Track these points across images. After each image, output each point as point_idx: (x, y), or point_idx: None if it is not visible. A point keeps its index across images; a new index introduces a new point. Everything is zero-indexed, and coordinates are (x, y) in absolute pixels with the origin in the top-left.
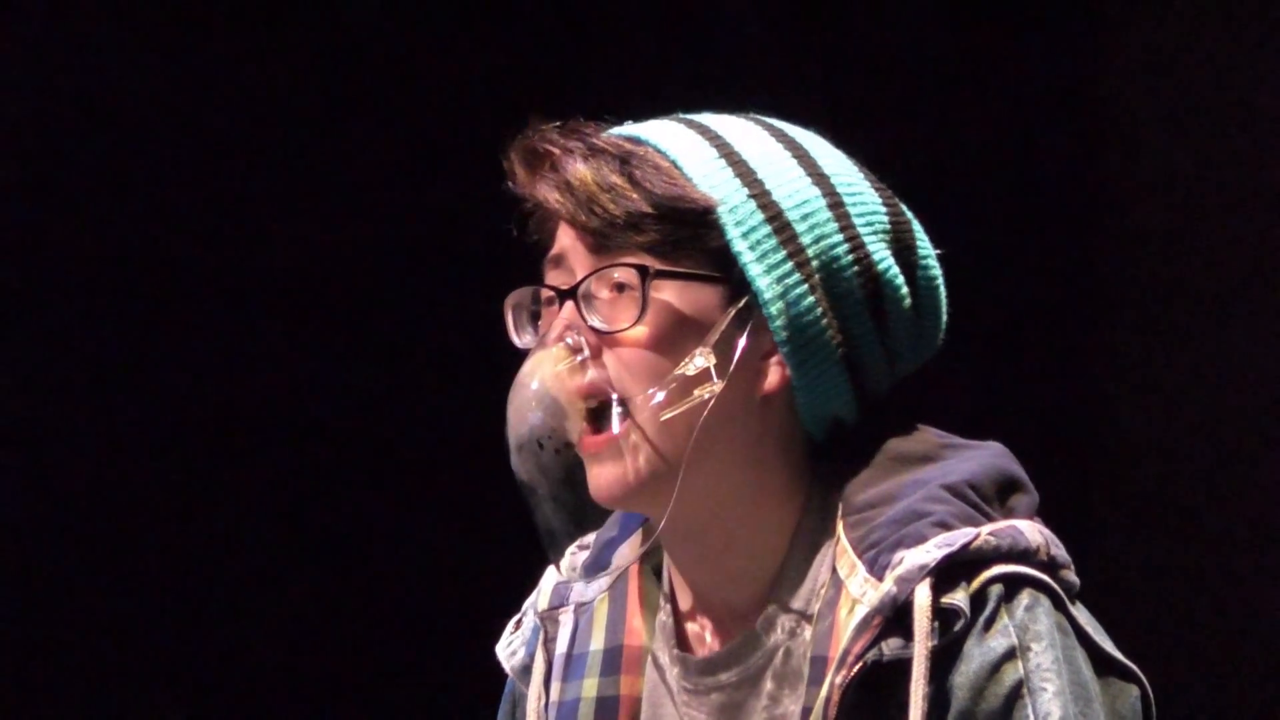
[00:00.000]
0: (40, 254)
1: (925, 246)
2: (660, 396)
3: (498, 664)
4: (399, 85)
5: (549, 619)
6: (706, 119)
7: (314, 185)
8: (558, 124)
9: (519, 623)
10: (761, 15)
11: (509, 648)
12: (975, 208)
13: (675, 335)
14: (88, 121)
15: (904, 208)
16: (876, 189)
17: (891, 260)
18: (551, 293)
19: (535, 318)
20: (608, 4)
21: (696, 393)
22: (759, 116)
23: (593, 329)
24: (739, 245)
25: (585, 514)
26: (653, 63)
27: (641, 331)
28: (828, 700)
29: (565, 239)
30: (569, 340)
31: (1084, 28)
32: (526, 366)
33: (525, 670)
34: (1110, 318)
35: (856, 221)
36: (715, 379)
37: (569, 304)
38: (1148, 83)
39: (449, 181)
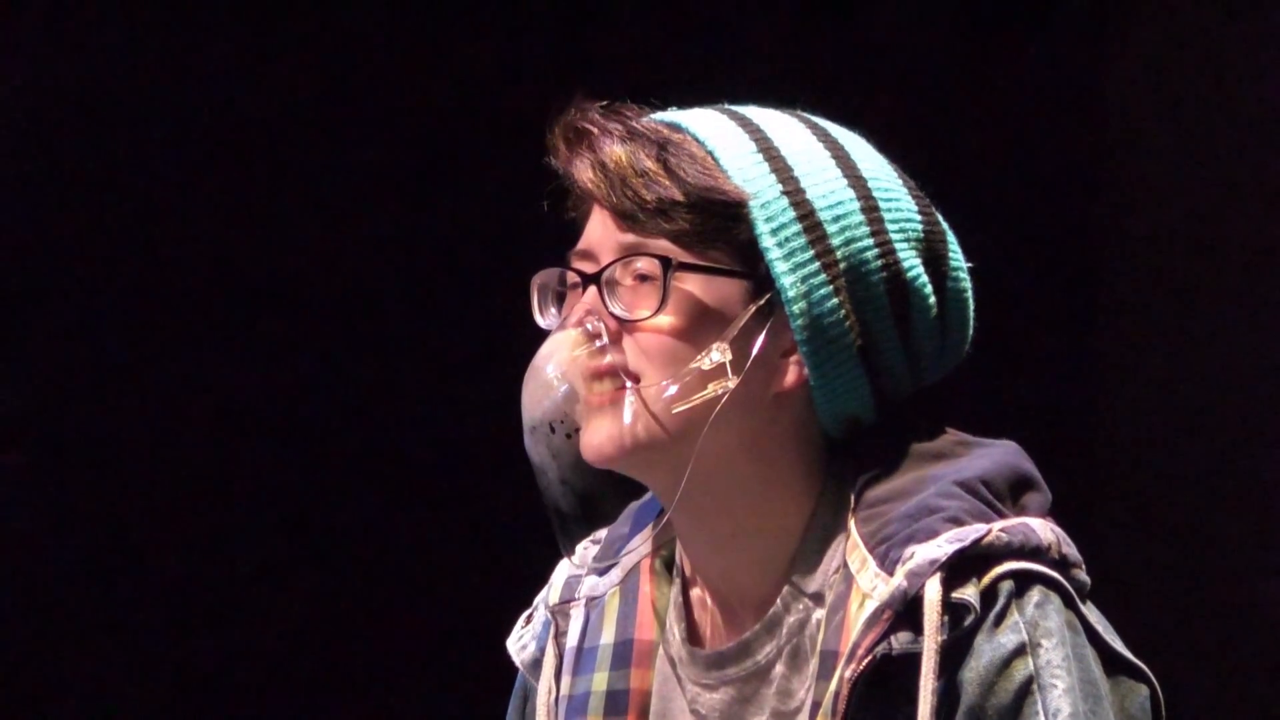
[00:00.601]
0: (43, 255)
1: (957, 258)
2: (674, 388)
3: (508, 658)
4: (399, 84)
5: (560, 613)
6: (750, 111)
7: (313, 185)
8: (602, 104)
9: (530, 617)
10: (764, 17)
11: (519, 642)
12: (976, 207)
13: (695, 327)
14: (88, 121)
15: (939, 217)
16: (914, 196)
17: (921, 269)
18: (576, 276)
19: (560, 298)
20: (610, 3)
21: (711, 386)
22: (803, 114)
23: (613, 315)
24: (767, 241)
25: (595, 499)
26: (650, 62)
27: (661, 321)
28: (837, 694)
29: (596, 221)
30: (588, 325)
31: (1087, 28)
32: (544, 348)
33: (536, 664)
34: (1111, 318)
35: (889, 227)
36: (730, 375)
37: (591, 289)
38: (1150, 85)
39: (448, 181)
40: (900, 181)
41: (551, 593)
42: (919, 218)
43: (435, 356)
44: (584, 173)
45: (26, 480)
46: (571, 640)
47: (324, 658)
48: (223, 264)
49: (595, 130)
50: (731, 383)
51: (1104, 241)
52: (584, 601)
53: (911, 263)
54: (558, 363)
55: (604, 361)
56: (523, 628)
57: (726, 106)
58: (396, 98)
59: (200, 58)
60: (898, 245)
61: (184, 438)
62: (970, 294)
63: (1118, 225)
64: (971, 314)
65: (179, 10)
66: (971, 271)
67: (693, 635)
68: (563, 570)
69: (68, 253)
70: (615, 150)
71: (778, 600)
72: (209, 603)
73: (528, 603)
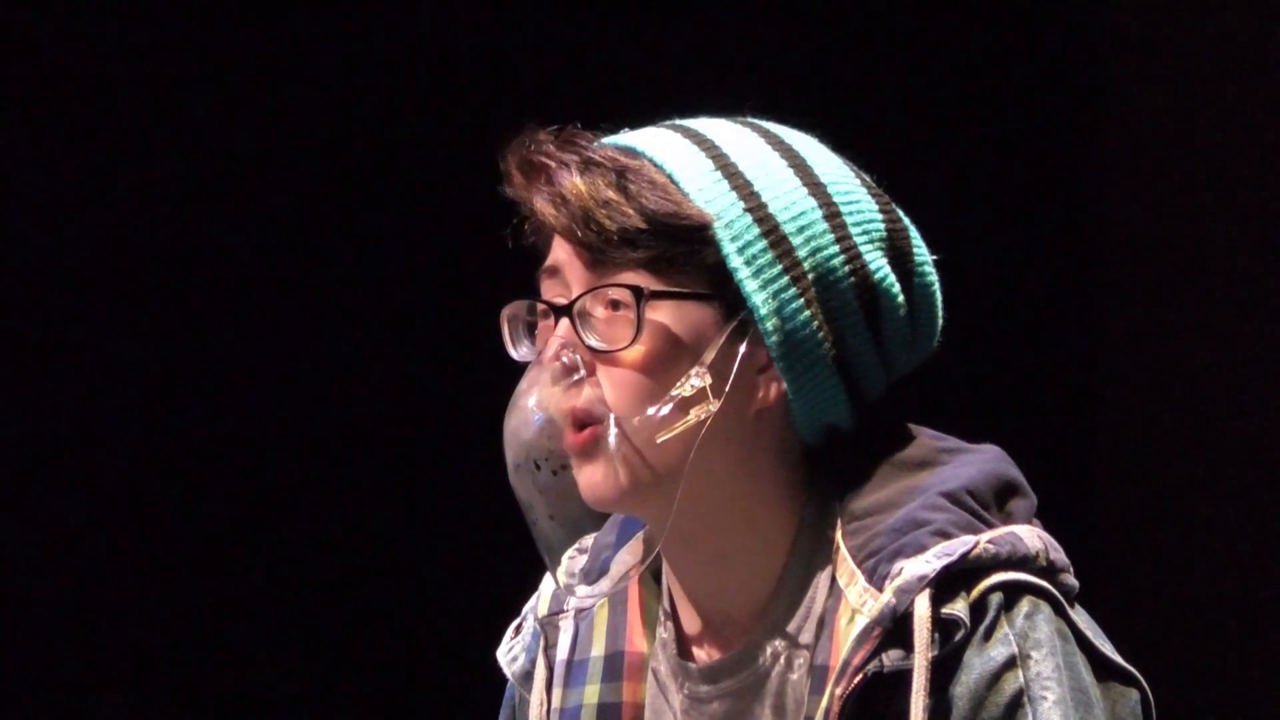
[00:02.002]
0: (45, 254)
1: (921, 252)
2: (657, 418)
3: (498, 668)
4: (393, 85)
5: (549, 625)
6: (702, 126)
7: (311, 187)
8: (554, 130)
9: (519, 628)
10: (751, 18)
11: (509, 653)
12: (974, 206)
13: (671, 354)
14: (87, 121)
15: (900, 213)
16: (873, 195)
17: (888, 269)
18: (547, 307)
19: (531, 329)
20: (599, 3)
21: (693, 413)
22: (754, 120)
23: (589, 348)
24: (735, 261)
25: (583, 532)
26: (643, 60)
27: (637, 351)
28: (828, 710)
29: (561, 251)
30: (565, 359)
31: (1084, 24)
32: (523, 385)
33: (526, 676)
34: (1112, 316)
35: (853, 230)
36: (711, 399)
37: (565, 321)
38: (1151, 79)
39: (443, 184)
40: (858, 181)
41: (540, 603)
42: (880, 217)
43: (425, 364)
44: (545, 207)
45: (24, 485)
46: (561, 653)
47: (317, 662)
48: (216, 268)
49: (552, 163)
50: (714, 406)
51: (1103, 240)
52: (573, 614)
53: (878, 264)
54: (539, 399)
55: (583, 398)
56: (512, 638)
57: (677, 123)
58: (389, 98)
59: (194, 55)
60: (863, 248)
61: (181, 441)
62: (937, 286)
63: (1117, 223)
64: (939, 306)
65: (170, 10)
66: (942, 262)
67: (683, 649)
68: (551, 581)
69: (71, 253)
70: (574, 182)
71: (767, 615)
72: (198, 608)
73: (516, 610)
